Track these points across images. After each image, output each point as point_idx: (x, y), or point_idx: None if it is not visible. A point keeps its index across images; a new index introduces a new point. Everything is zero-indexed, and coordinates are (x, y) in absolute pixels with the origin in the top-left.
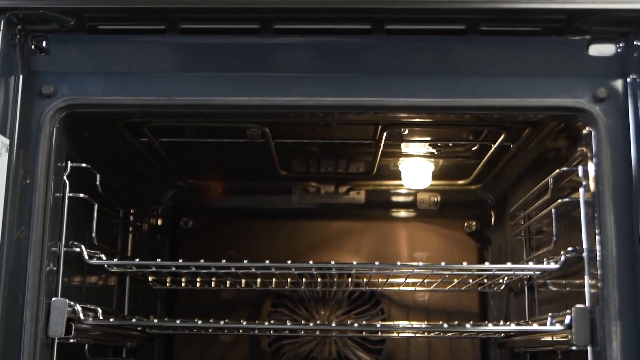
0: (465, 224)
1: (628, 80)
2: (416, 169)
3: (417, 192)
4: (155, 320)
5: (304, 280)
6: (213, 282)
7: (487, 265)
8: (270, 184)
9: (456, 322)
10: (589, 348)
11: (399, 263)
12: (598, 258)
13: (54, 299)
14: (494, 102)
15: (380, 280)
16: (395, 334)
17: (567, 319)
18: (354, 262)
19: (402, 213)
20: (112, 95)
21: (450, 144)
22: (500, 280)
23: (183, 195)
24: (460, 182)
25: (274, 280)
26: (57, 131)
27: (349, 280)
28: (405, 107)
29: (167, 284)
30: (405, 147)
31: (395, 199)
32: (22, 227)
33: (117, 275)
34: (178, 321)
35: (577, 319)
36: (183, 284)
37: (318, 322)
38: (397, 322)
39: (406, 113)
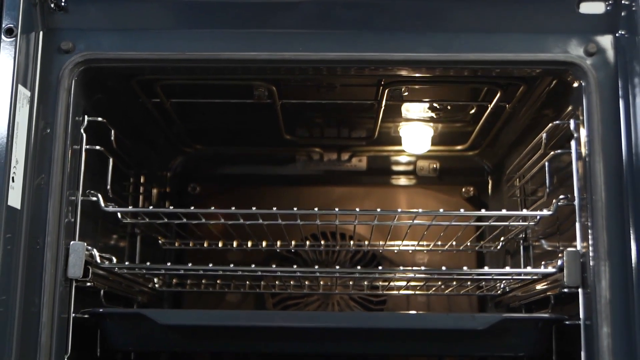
0: (463, 190)
1: (616, 35)
2: (416, 134)
3: (417, 159)
4: (168, 264)
5: (307, 243)
6: (220, 243)
7: (483, 212)
8: (276, 151)
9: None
10: (580, 290)
11: (399, 210)
12: (588, 203)
13: (72, 242)
14: (489, 57)
15: (381, 242)
16: (395, 292)
17: (559, 262)
18: (357, 209)
19: (403, 180)
20: (127, 51)
21: (449, 107)
22: (496, 242)
23: (191, 161)
24: (458, 147)
25: (278, 242)
26: (75, 85)
27: (351, 242)
28: (405, 62)
29: (176, 244)
30: (405, 111)
31: (395, 166)
32: (43, 174)
33: (128, 235)
34: (189, 264)
35: (569, 261)
36: (191, 244)
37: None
38: (396, 268)
39: (406, 67)
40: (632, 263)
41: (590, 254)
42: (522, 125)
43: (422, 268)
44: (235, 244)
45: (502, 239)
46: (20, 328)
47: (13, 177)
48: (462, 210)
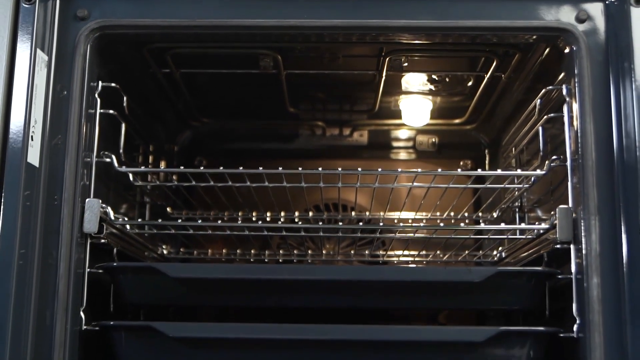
0: (462, 164)
1: (606, 3)
2: (415, 107)
3: (417, 134)
4: (179, 221)
5: (310, 213)
6: (226, 214)
7: (480, 171)
8: (280, 126)
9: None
10: (571, 246)
11: (399, 170)
12: (579, 163)
13: (88, 199)
14: (486, 23)
15: (381, 213)
16: (395, 259)
17: (552, 219)
18: (359, 169)
19: (402, 154)
20: (139, 18)
21: (448, 79)
22: (492, 212)
23: (198, 135)
24: (456, 121)
25: (282, 213)
26: (90, 51)
27: (353, 213)
28: (405, 28)
29: (183, 213)
30: (405, 84)
31: (395, 141)
32: (59, 135)
33: (138, 204)
34: (199, 221)
35: (561, 217)
36: (198, 213)
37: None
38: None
39: (407, 34)
40: (620, 217)
41: (581, 210)
42: (517, 99)
43: (421, 225)
44: (240, 214)
45: (497, 210)
46: (39, 280)
47: (32, 136)
48: (460, 171)
